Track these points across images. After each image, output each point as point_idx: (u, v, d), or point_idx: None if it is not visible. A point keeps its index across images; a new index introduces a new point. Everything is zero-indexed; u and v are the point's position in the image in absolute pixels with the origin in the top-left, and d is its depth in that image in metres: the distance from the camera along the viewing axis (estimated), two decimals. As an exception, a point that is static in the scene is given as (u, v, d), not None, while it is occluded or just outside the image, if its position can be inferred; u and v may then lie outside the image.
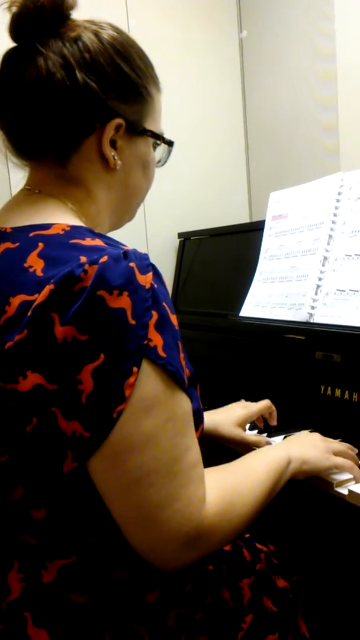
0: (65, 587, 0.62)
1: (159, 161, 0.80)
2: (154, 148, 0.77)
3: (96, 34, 0.68)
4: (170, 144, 0.79)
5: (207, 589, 0.73)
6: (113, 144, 0.70)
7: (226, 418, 1.00)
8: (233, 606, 0.75)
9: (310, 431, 0.96)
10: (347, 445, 0.91)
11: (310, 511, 1.03)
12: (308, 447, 0.84)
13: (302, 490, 0.89)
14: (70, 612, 0.62)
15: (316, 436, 0.89)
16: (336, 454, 0.86)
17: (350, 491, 0.82)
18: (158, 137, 0.76)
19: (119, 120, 0.69)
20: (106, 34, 0.69)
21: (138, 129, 0.73)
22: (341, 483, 0.85)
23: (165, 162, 0.82)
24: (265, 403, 1.05)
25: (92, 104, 0.67)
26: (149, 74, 0.73)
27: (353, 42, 1.58)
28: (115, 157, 0.71)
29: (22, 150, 0.72)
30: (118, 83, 0.69)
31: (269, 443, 0.99)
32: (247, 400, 1.09)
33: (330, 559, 1.03)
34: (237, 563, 0.80)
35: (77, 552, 0.63)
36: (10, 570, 0.62)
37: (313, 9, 1.69)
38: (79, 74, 0.65)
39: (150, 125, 0.74)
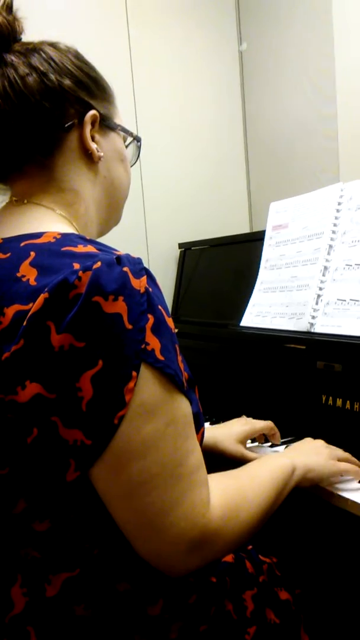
0: (69, 600, 0.62)
1: (130, 160, 0.83)
2: (125, 147, 0.80)
3: (52, 45, 0.72)
4: (138, 139, 0.83)
5: (210, 600, 0.73)
6: (92, 138, 0.73)
7: (227, 434, 0.99)
8: (236, 618, 0.74)
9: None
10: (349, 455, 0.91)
11: (314, 523, 1.02)
12: (312, 455, 0.84)
13: (305, 501, 0.89)
14: (73, 626, 0.62)
15: (319, 443, 0.88)
16: (340, 460, 0.86)
17: (351, 501, 0.82)
18: (127, 132, 0.80)
19: (94, 112, 0.72)
20: (61, 44, 0.73)
21: (110, 123, 0.76)
22: (343, 493, 0.84)
23: (137, 161, 0.85)
24: (268, 424, 1.04)
25: (68, 100, 0.70)
26: (103, 77, 0.77)
27: (352, 53, 1.60)
28: (98, 150, 0.73)
29: (3, 166, 0.72)
30: (84, 81, 0.72)
31: None
32: (248, 410, 1.09)
33: (333, 571, 1.02)
34: (240, 575, 0.80)
35: (80, 565, 0.62)
36: (13, 585, 0.62)
37: (312, 21, 1.71)
38: (51, 75, 0.68)
39: (118, 122, 0.78)
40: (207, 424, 1.03)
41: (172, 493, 0.58)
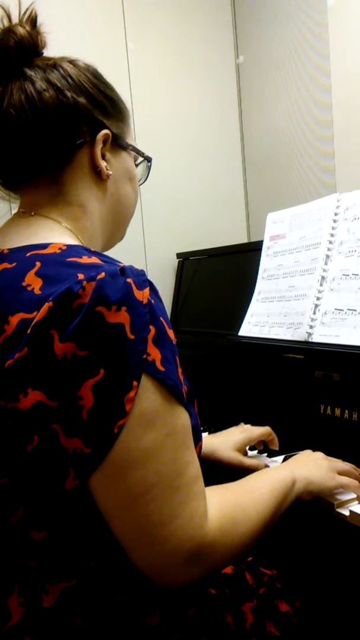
0: (66, 611, 0.61)
1: (140, 179, 0.84)
2: (135, 166, 0.82)
3: (71, 62, 0.73)
4: (149, 159, 0.84)
5: (209, 613, 0.72)
6: (102, 157, 0.74)
7: (224, 442, 0.99)
8: (235, 630, 0.73)
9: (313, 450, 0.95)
10: (350, 465, 0.91)
11: (314, 535, 1.01)
12: (312, 467, 0.84)
13: (305, 513, 0.88)
14: (71, 637, 0.61)
15: (319, 455, 0.88)
16: (340, 473, 0.86)
17: (351, 512, 0.82)
18: (139, 152, 0.81)
19: (106, 132, 0.73)
20: (81, 62, 0.74)
21: (122, 143, 0.77)
22: (343, 504, 0.84)
23: (146, 180, 0.86)
24: (265, 429, 1.04)
25: (82, 118, 0.71)
26: (120, 98, 0.79)
27: (348, 64, 1.62)
28: (107, 168, 0.74)
29: (13, 176, 0.73)
30: (100, 100, 0.73)
31: (267, 466, 0.98)
32: (247, 420, 1.09)
33: (333, 583, 1.01)
34: (240, 587, 0.79)
35: (77, 575, 0.62)
36: (10, 595, 0.61)
37: (309, 33, 1.73)
38: (67, 92, 0.69)
39: (130, 141, 0.79)
40: (205, 434, 1.03)
41: (170, 504, 0.58)
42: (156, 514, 0.57)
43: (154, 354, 0.58)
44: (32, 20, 0.71)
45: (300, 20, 1.75)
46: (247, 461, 0.97)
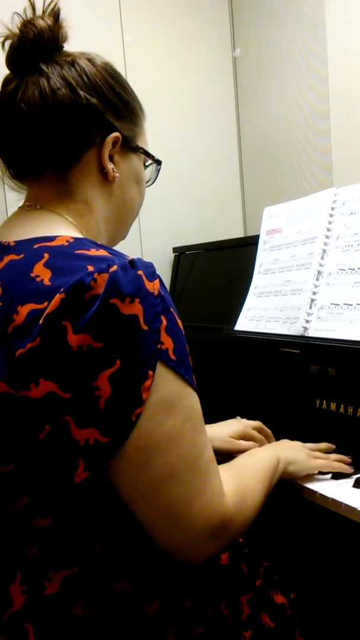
0: (68, 598, 0.62)
1: (148, 180, 0.84)
2: (144, 167, 0.82)
3: (90, 60, 0.73)
4: (159, 162, 0.84)
5: (206, 603, 0.73)
6: (110, 158, 0.74)
7: (220, 431, 1.02)
8: (232, 622, 0.74)
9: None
10: (327, 445, 0.98)
11: (309, 527, 1.02)
12: (293, 450, 0.91)
13: (300, 505, 0.90)
14: (71, 625, 0.62)
15: (297, 443, 0.96)
16: (316, 457, 0.93)
17: (344, 505, 0.83)
18: (149, 155, 0.81)
19: (116, 135, 0.73)
20: (99, 60, 0.74)
21: (132, 145, 0.77)
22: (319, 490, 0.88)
23: (154, 181, 0.87)
24: (257, 422, 1.07)
25: (93, 119, 0.71)
26: (136, 98, 0.79)
27: (345, 57, 1.61)
28: (114, 170, 0.74)
29: (21, 169, 0.74)
30: (113, 102, 0.73)
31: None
32: (243, 415, 1.09)
33: (329, 575, 1.02)
34: (236, 578, 0.80)
35: (80, 562, 0.63)
36: (12, 582, 0.62)
37: (306, 26, 1.72)
38: (80, 92, 0.69)
39: (141, 144, 0.80)
40: None
41: (194, 484, 0.61)
42: (182, 496, 0.61)
43: (167, 343, 0.60)
44: (55, 14, 0.70)
45: (297, 12, 1.75)
46: (242, 443, 1.01)
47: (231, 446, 0.99)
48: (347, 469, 0.93)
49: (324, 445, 0.99)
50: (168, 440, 0.60)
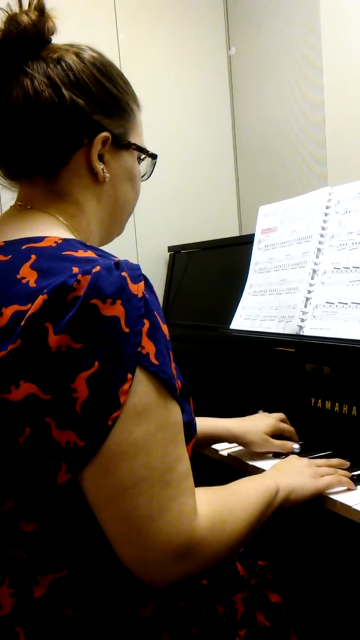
0: (58, 601, 0.62)
1: (143, 175, 0.82)
2: (139, 162, 0.80)
3: (77, 55, 0.70)
4: (153, 157, 0.82)
5: (201, 603, 0.73)
6: (101, 157, 0.73)
7: (255, 425, 1.01)
8: (227, 621, 0.74)
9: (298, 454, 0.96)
10: (338, 460, 0.92)
11: (305, 526, 1.02)
12: (296, 475, 0.84)
13: (296, 505, 0.89)
14: (63, 628, 0.62)
15: (304, 462, 0.88)
16: (323, 475, 0.86)
17: (340, 503, 0.82)
18: (142, 150, 0.79)
19: (105, 134, 0.71)
20: (87, 54, 0.71)
21: (123, 143, 0.75)
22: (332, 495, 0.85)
23: (150, 175, 0.84)
24: (281, 415, 1.07)
25: (80, 120, 0.69)
26: (129, 91, 0.77)
27: (340, 57, 1.61)
28: (104, 170, 0.73)
29: (11, 169, 0.73)
30: (102, 99, 0.71)
31: (293, 449, 1.01)
32: (238, 414, 1.09)
33: (323, 574, 1.02)
34: (231, 577, 0.80)
35: (68, 566, 0.62)
36: (1, 586, 0.61)
37: (301, 26, 1.72)
38: (65, 92, 0.67)
39: (134, 139, 0.77)
40: (226, 420, 1.04)
41: (160, 498, 0.58)
42: (145, 508, 0.57)
43: (148, 347, 0.59)
44: (40, 7, 0.68)
45: (292, 12, 1.75)
46: (276, 442, 1.00)
47: (267, 444, 0.99)
48: (352, 485, 0.86)
49: (335, 461, 0.92)
50: (137, 447, 0.57)
